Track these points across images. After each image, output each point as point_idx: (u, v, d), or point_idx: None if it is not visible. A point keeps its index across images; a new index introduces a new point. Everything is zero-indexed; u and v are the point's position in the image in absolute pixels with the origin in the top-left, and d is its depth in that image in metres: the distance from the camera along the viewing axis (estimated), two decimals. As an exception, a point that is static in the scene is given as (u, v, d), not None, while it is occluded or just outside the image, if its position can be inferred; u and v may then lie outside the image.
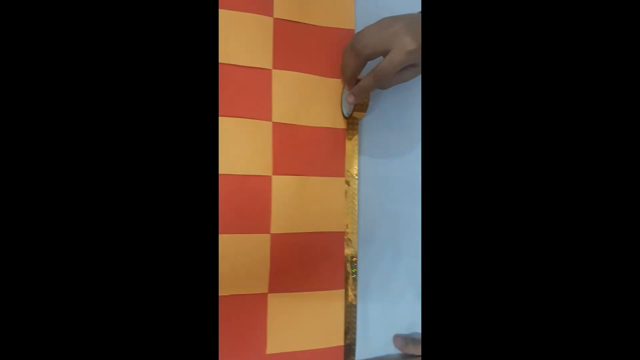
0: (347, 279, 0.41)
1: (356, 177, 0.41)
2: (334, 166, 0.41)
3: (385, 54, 0.32)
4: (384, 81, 0.34)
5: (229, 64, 0.37)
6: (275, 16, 0.40)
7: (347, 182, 0.41)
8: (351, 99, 0.37)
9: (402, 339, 0.42)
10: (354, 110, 0.39)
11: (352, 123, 0.42)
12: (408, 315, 0.43)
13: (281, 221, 0.39)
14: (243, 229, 0.37)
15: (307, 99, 0.41)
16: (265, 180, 0.38)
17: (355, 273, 0.41)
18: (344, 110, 0.41)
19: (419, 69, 0.33)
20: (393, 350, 0.42)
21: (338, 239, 0.41)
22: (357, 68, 0.35)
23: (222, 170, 0.37)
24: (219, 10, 0.37)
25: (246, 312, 0.37)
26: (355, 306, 0.41)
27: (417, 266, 0.43)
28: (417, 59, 0.32)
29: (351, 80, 0.37)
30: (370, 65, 0.35)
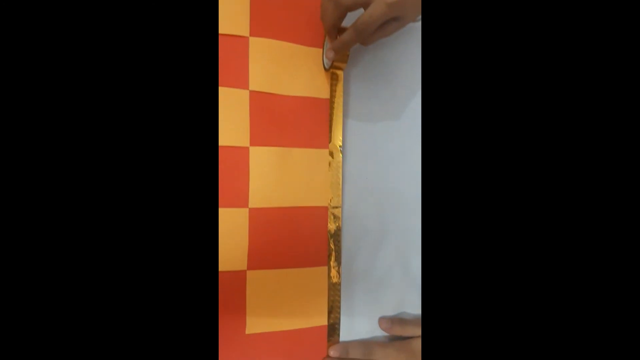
0: (330, 255, 0.39)
1: (340, 149, 0.39)
2: (317, 137, 0.39)
3: (365, 5, 0.30)
4: (365, 36, 0.32)
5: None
6: (252, -19, 0.37)
7: (331, 154, 0.39)
8: (331, 54, 0.36)
9: (387, 321, 0.40)
10: (335, 60, 0.37)
11: (335, 79, 0.39)
12: (394, 295, 0.41)
13: (260, 195, 0.37)
14: (220, 203, 0.35)
15: (287, 67, 0.39)
16: (243, 152, 0.36)
17: (339, 250, 0.39)
18: (324, 63, 0.39)
19: (402, 22, 0.32)
20: (379, 332, 0.41)
21: (321, 214, 0.39)
22: (336, 20, 0.33)
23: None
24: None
25: (223, 290, 0.35)
26: (339, 284, 0.39)
27: (404, 243, 0.41)
28: (400, 11, 0.30)
29: (332, 32, 0.35)
30: (351, 16, 0.33)
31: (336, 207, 0.39)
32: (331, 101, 0.39)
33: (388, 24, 0.31)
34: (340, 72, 0.39)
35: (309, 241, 0.38)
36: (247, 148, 0.36)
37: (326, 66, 0.39)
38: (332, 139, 0.39)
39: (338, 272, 0.39)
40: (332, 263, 0.39)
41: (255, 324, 0.36)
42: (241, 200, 0.36)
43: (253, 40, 0.37)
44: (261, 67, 0.37)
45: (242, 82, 0.37)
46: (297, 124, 0.38)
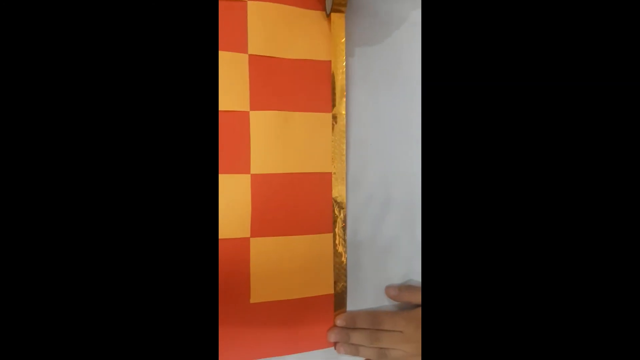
0: (335, 223, 0.38)
1: (344, 112, 0.38)
2: (319, 101, 0.38)
3: None
4: None
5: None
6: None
7: (334, 118, 0.38)
8: None
9: (394, 288, 0.39)
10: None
11: (337, 41, 0.38)
12: (401, 263, 0.40)
13: (262, 161, 0.36)
14: (220, 169, 0.34)
15: (286, 30, 0.37)
16: (243, 116, 0.35)
17: (344, 217, 0.38)
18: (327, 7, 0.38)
19: None
20: (386, 301, 0.40)
21: (325, 180, 0.38)
22: None
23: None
24: None
25: (227, 258, 0.34)
26: (344, 252, 0.38)
27: (410, 210, 0.40)
28: None
29: None
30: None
31: (340, 174, 0.38)
32: (334, 65, 0.38)
33: None
34: (341, 37, 0.38)
35: (313, 208, 0.37)
36: (247, 112, 0.35)
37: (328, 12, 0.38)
38: (336, 104, 0.38)
39: (343, 239, 0.38)
40: (337, 230, 0.38)
41: (260, 293, 0.35)
42: (242, 166, 0.35)
43: (251, 4, 0.36)
44: (260, 30, 0.36)
45: (240, 46, 0.36)
46: (298, 87, 0.37)
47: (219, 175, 0.34)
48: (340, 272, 0.38)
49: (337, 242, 0.38)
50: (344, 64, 0.38)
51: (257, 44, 0.36)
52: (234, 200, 0.35)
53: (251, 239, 0.35)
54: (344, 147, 0.38)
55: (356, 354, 0.37)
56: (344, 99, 0.38)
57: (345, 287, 0.38)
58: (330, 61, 0.38)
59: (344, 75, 0.38)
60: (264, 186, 0.35)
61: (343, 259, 0.38)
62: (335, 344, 0.37)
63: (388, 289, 0.39)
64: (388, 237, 0.40)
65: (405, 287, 0.39)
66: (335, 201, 0.38)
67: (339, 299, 0.38)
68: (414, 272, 0.40)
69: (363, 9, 0.40)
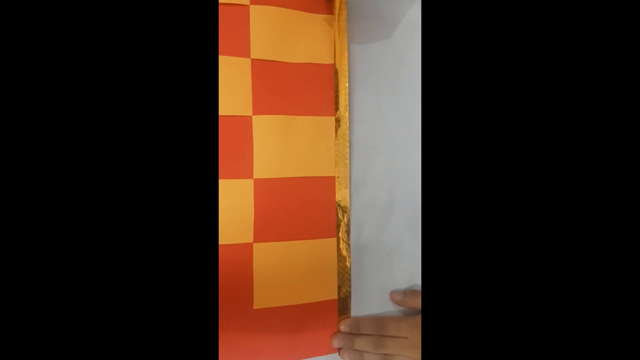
0: (338, 227, 0.37)
1: (347, 116, 0.38)
2: (322, 105, 0.37)
3: None
4: None
5: None
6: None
7: (338, 122, 0.38)
8: None
9: (399, 293, 0.39)
10: None
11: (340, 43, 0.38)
12: (406, 267, 0.40)
13: (265, 165, 0.35)
14: (223, 174, 0.34)
15: (289, 34, 0.37)
16: (245, 121, 0.35)
17: (348, 221, 0.38)
18: None
19: None
20: (391, 306, 0.39)
21: (328, 184, 0.37)
22: None
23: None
24: None
25: (230, 264, 0.34)
26: (348, 256, 0.37)
27: (414, 213, 0.40)
28: None
29: None
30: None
31: (343, 177, 0.38)
32: (336, 68, 0.38)
33: None
34: (344, 40, 0.38)
35: (316, 212, 0.37)
36: (250, 117, 0.35)
37: None
38: (339, 107, 0.38)
39: (347, 243, 0.38)
40: (340, 235, 0.37)
41: (263, 299, 0.35)
42: (245, 171, 0.35)
43: (253, 9, 0.36)
44: (262, 35, 0.36)
45: (243, 50, 0.36)
46: (301, 91, 0.37)
47: (222, 180, 0.34)
48: (344, 277, 0.37)
49: (340, 246, 0.37)
50: (347, 67, 0.38)
51: (259, 48, 0.36)
52: (237, 205, 0.35)
53: (254, 244, 0.35)
54: (347, 151, 0.38)
55: (361, 360, 0.37)
56: (347, 103, 0.38)
57: (349, 292, 0.38)
58: (332, 64, 0.38)
59: (347, 79, 0.38)
60: (267, 191, 0.35)
61: (347, 263, 0.37)
62: (339, 350, 0.37)
63: (393, 294, 0.39)
64: (392, 240, 0.39)
65: (410, 292, 0.39)
66: (339, 205, 0.37)
67: (343, 304, 0.37)
68: (418, 277, 0.40)
69: (364, 10, 0.40)
